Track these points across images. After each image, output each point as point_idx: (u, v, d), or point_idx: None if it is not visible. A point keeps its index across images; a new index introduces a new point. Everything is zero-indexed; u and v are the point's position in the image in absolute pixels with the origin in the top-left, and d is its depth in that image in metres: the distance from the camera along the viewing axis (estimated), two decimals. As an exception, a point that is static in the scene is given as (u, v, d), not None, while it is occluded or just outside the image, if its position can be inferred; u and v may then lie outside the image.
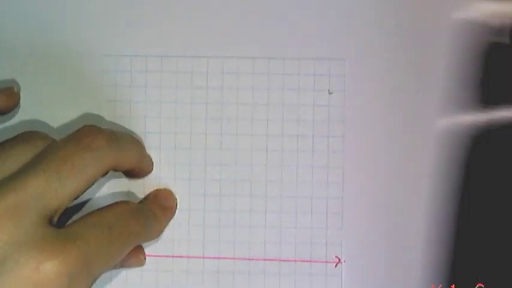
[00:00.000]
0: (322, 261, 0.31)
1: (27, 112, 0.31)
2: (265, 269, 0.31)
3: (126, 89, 0.32)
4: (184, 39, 0.32)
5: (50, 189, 0.25)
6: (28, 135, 0.27)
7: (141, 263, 0.31)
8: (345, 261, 0.31)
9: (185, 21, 0.32)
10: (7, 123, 0.31)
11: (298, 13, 0.31)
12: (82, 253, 0.24)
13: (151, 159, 0.32)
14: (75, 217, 0.29)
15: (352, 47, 0.31)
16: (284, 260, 0.31)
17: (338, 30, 0.31)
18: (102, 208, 0.27)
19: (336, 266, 0.31)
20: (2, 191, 0.24)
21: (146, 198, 0.32)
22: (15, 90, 0.31)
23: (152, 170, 0.32)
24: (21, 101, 0.31)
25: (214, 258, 0.31)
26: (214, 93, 0.32)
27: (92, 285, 0.26)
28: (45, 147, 0.26)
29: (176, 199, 0.32)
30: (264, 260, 0.31)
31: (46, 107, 0.32)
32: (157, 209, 0.31)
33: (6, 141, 0.27)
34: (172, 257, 0.31)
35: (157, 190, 0.32)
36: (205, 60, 0.32)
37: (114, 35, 0.32)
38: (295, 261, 0.31)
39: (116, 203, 0.28)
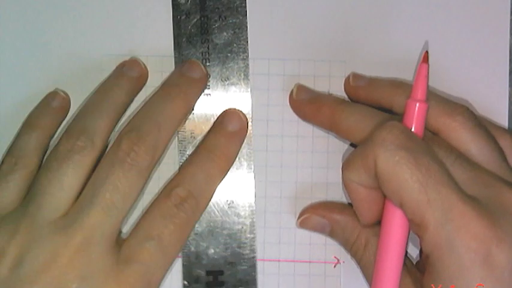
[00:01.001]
0: (321, 262, 0.31)
1: (26, 113, 0.31)
2: (264, 269, 0.31)
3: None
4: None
5: (110, 218, 0.27)
6: (68, 148, 0.28)
7: None
8: (344, 261, 0.31)
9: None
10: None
11: (299, 15, 0.32)
12: (141, 273, 0.27)
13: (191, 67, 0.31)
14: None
15: (352, 49, 0.31)
16: (283, 261, 0.31)
17: (338, 32, 0.31)
18: (147, 213, 0.28)
19: (334, 266, 0.31)
20: (70, 231, 0.26)
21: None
22: (63, 95, 0.31)
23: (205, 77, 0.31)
24: (20, 101, 0.31)
25: (213, 258, 0.31)
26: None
27: None
28: (93, 177, 0.28)
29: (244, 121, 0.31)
30: (263, 260, 0.31)
31: (45, 106, 0.31)
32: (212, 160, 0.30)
33: (51, 161, 0.28)
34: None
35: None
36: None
37: (115, 35, 0.32)
38: (294, 261, 0.31)
39: (158, 202, 0.28)
